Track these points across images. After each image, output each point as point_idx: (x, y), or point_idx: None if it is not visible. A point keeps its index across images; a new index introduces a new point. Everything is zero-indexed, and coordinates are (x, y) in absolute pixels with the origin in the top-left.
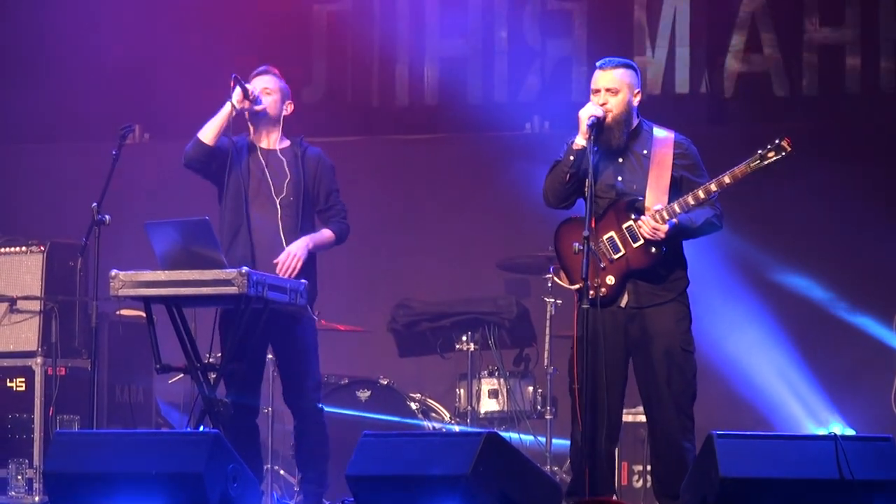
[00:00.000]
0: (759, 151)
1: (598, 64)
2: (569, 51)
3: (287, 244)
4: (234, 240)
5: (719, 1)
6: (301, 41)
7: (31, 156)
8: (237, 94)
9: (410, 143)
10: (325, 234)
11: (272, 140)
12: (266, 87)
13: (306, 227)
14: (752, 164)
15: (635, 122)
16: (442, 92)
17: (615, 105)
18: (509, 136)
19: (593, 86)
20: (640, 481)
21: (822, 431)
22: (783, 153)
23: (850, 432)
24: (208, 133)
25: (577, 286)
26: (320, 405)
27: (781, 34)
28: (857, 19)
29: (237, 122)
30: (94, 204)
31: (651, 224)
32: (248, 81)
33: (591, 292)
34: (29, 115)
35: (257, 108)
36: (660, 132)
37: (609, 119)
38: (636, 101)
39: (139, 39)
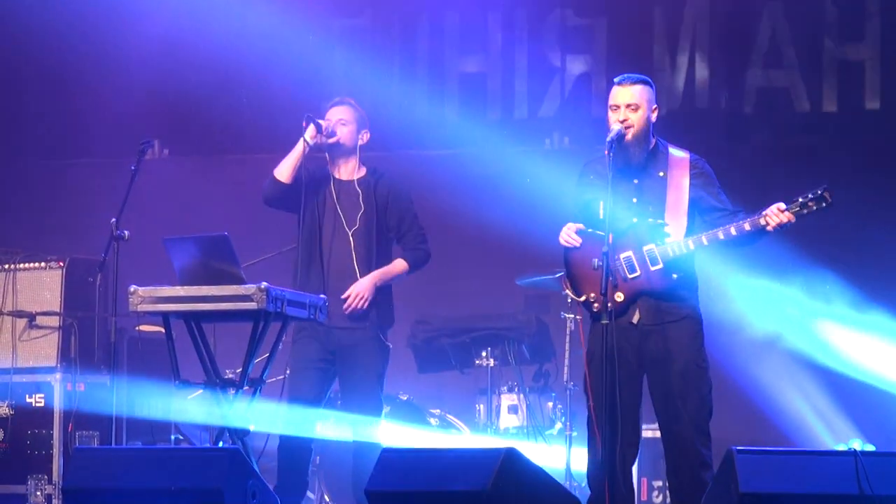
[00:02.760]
0: (800, 199)
1: (616, 80)
2: (589, 66)
3: (360, 273)
4: (308, 270)
5: (739, 16)
6: (321, 56)
7: (49, 171)
8: (310, 130)
9: (430, 159)
10: (397, 265)
11: (348, 170)
12: (342, 118)
13: (382, 255)
14: (792, 211)
15: (652, 140)
16: (462, 107)
17: (635, 121)
18: (529, 151)
19: (612, 102)
20: (660, 497)
21: (842, 447)
22: (824, 204)
23: (870, 448)
24: (283, 171)
25: (581, 298)
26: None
27: (801, 50)
28: (876, 35)
29: (314, 152)
30: (113, 219)
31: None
32: (323, 114)
33: (596, 305)
34: (48, 131)
35: (330, 140)
36: (676, 152)
37: (629, 136)
38: (654, 117)
39: (157, 55)
